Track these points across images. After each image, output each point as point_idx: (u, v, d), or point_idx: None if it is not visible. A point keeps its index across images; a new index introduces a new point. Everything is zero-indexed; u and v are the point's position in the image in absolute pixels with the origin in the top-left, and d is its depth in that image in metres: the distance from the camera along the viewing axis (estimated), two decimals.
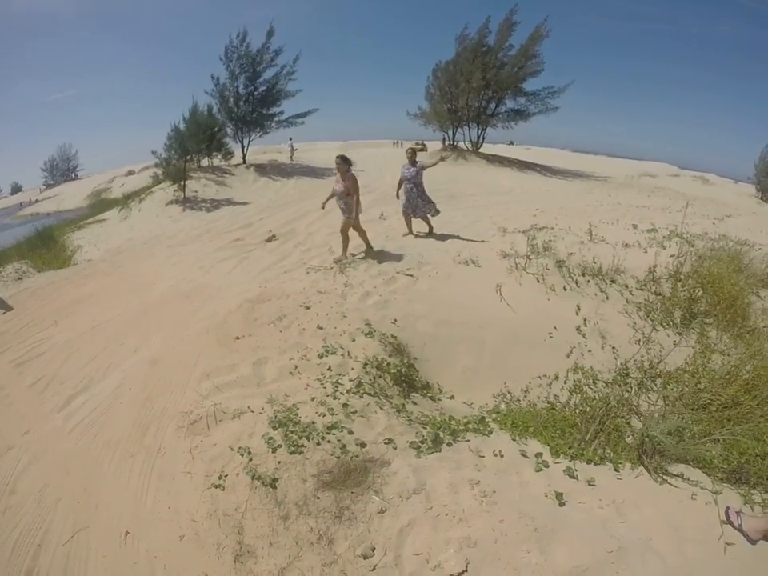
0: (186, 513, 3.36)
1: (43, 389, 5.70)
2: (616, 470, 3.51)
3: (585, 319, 6.11)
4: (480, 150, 28.16)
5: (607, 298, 6.51)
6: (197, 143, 18.43)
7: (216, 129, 20.25)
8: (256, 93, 22.90)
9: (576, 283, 6.73)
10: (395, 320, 5.81)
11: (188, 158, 18.43)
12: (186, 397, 4.47)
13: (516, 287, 6.69)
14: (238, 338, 5.29)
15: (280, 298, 6.36)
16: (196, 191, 18.01)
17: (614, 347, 5.77)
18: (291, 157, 27.17)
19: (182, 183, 17.38)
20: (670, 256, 7.20)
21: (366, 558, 2.86)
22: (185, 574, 3.07)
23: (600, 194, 16.16)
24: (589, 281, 6.78)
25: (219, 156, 21.30)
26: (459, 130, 28.52)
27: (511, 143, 47.26)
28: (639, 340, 5.82)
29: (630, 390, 4.99)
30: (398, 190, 8.99)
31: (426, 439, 3.71)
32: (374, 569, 2.80)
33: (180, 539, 3.22)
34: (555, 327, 5.92)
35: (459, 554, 2.73)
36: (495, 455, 3.59)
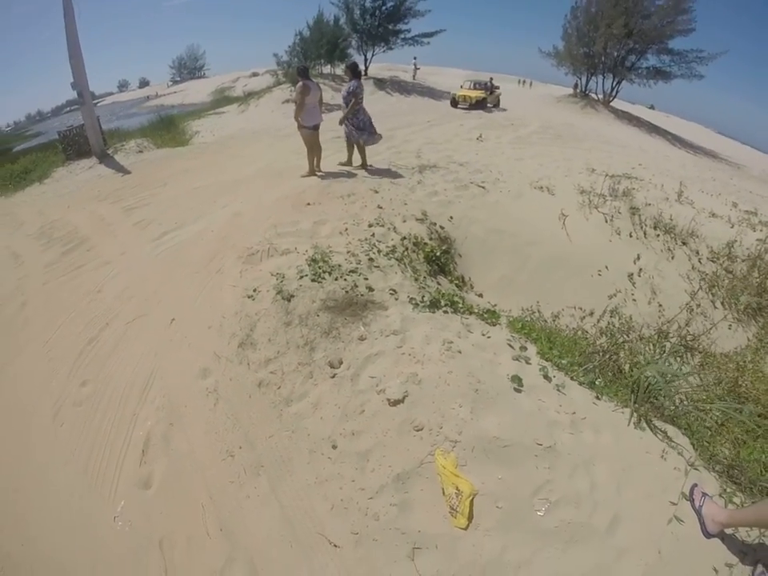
0: (219, 311, 3.95)
1: (143, 227, 6.65)
2: (597, 397, 3.25)
3: (641, 269, 5.86)
4: (611, 105, 25.49)
5: (672, 258, 6.18)
6: (317, 49, 18.84)
7: (340, 39, 20.50)
8: (383, 8, 22.49)
9: (644, 234, 6.42)
10: (451, 217, 5.93)
11: (308, 63, 18.85)
12: (252, 239, 5.02)
13: (581, 221, 6.51)
14: (308, 204, 5.77)
15: (357, 181, 6.75)
16: None
17: (661, 305, 5.50)
18: (414, 76, 26.80)
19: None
20: (757, 239, 6.57)
21: (332, 366, 3.26)
22: (202, 349, 3.68)
23: (721, 175, 14.44)
24: (659, 235, 6.43)
25: (342, 66, 21.57)
26: (593, 78, 25.84)
27: (652, 107, 42.90)
28: (692, 309, 5.45)
29: (662, 352, 4.52)
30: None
31: (426, 300, 3.93)
32: (333, 377, 3.21)
33: (208, 328, 3.83)
34: (607, 267, 5.75)
35: (403, 385, 2.97)
36: (483, 335, 3.66)
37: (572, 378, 3.44)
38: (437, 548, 2.30)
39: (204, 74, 66.84)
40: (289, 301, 3.78)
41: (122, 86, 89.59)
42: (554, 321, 5.10)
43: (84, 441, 3.39)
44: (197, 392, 3.41)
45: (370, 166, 7.59)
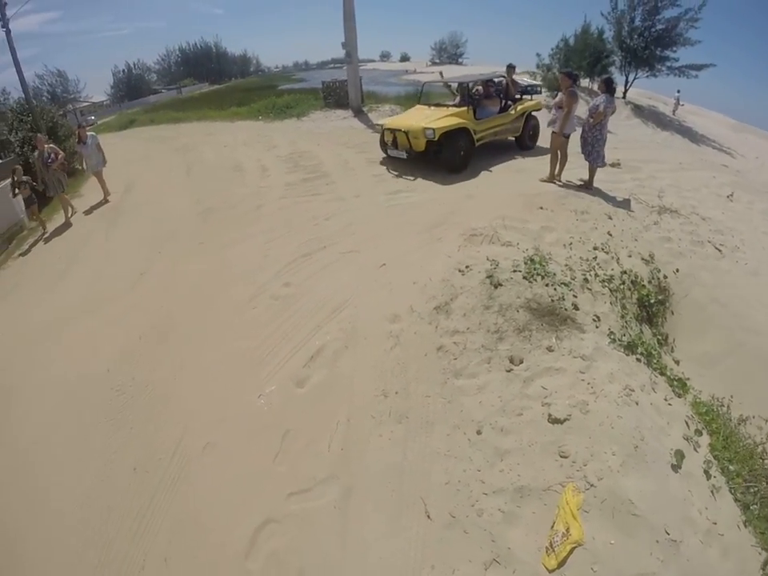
0: (428, 273, 4.27)
1: (382, 180, 7.77)
2: (745, 523, 2.84)
3: None
4: None
5: None
6: (579, 60, 17.93)
7: (604, 54, 18.88)
8: (653, 29, 19.64)
9: None
10: (677, 270, 5.43)
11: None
12: (478, 222, 5.22)
13: None
14: (540, 208, 5.74)
15: (593, 201, 6.47)
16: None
17: None
18: (674, 111, 24.14)
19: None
20: None
21: (511, 362, 3.35)
22: (400, 298, 4.07)
23: None
24: None
25: (598, 82, 20.16)
26: None
27: None
28: None
29: None
30: None
31: (624, 340, 3.76)
32: (509, 371, 3.30)
33: (413, 283, 4.19)
34: None
35: (569, 408, 2.94)
36: (665, 400, 3.44)
37: (730, 489, 3.06)
38: (513, 573, 2.27)
39: (462, 61, 66.02)
40: (496, 288, 3.93)
41: (384, 57, 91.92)
42: (737, 425, 4.34)
43: (267, 327, 4.00)
44: (381, 331, 3.79)
45: (592, 187, 7.07)
